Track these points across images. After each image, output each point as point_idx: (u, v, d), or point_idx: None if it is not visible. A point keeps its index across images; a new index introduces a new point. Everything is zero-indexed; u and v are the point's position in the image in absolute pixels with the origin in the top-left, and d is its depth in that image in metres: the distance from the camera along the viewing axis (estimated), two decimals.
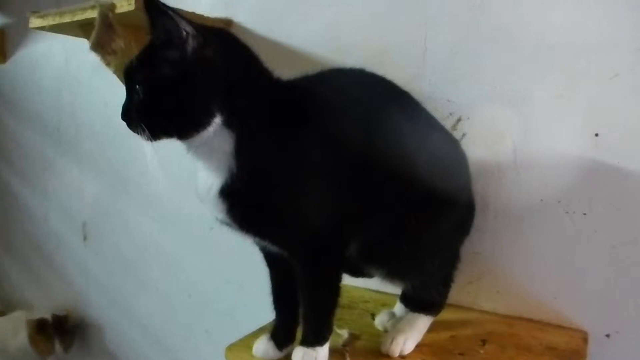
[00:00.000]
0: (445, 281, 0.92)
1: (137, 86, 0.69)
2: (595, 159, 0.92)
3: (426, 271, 0.87)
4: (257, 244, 0.82)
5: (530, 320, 1.00)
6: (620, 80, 0.88)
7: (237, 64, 0.73)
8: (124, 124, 0.72)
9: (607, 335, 0.94)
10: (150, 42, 0.71)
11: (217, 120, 0.70)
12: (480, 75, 1.01)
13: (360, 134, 0.77)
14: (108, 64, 1.10)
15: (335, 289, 0.81)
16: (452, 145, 0.90)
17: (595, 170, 0.92)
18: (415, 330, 0.89)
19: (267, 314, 1.33)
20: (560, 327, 0.97)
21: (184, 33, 0.68)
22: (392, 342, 0.86)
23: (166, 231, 1.51)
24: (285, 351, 0.86)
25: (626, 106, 0.89)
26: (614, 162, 0.90)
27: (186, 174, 1.39)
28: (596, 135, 0.91)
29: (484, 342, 0.91)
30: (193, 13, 1.14)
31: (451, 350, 0.89)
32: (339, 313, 0.83)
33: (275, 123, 0.73)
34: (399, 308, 0.99)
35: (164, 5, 0.67)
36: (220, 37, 0.73)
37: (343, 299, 0.86)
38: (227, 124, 0.70)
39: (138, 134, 0.70)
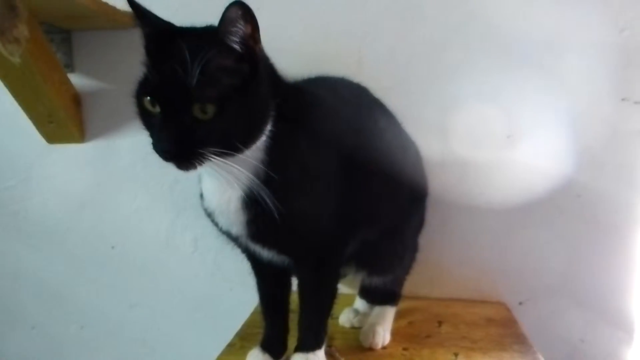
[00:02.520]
0: (408, 272, 1.00)
1: (203, 107, 0.59)
2: (508, 157, 1.11)
3: (403, 265, 0.94)
4: (255, 255, 0.79)
5: (459, 299, 1.15)
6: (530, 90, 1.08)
7: (270, 66, 0.70)
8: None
9: (520, 303, 1.15)
10: (171, 57, 0.61)
11: (269, 125, 0.66)
12: (411, 84, 1.12)
13: (362, 140, 0.79)
14: (11, 54, 0.90)
15: (335, 291, 0.82)
16: (415, 145, 0.98)
17: (509, 167, 1.11)
18: (387, 322, 0.96)
19: (189, 333, 1.25)
20: (484, 302, 1.14)
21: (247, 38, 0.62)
22: (374, 335, 0.91)
23: (48, 256, 1.27)
24: None
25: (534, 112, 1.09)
26: (524, 159, 1.10)
27: (77, 185, 1.23)
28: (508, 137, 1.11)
29: (440, 323, 1.02)
30: None
31: (418, 334, 0.97)
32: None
33: (295, 129, 0.70)
34: (360, 304, 1.03)
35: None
36: None
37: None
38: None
39: (188, 167, 0.61)
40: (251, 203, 0.68)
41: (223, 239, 0.79)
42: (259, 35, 0.64)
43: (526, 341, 0.95)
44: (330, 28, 1.13)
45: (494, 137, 1.10)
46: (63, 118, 1.16)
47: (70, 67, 1.19)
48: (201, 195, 0.77)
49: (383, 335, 0.92)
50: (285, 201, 0.67)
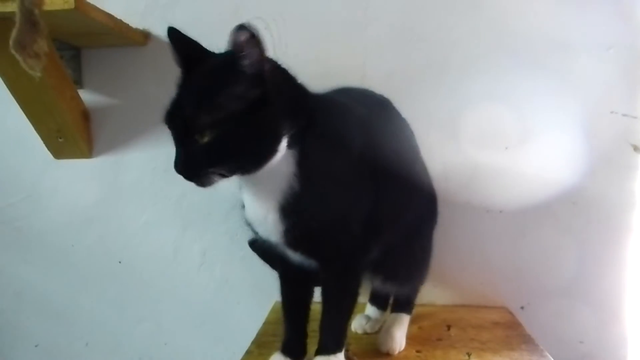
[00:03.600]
0: (423, 280, 1.03)
1: (201, 132, 0.63)
2: (507, 167, 1.17)
3: (419, 270, 0.98)
4: (285, 259, 0.82)
5: (463, 305, 1.18)
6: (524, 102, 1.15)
7: (290, 84, 0.73)
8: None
9: (522, 307, 1.19)
10: (188, 83, 0.69)
11: (284, 143, 0.68)
12: (413, 100, 1.17)
13: (386, 147, 0.83)
14: (32, 69, 0.91)
15: (356, 296, 0.84)
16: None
17: (507, 176, 1.17)
18: (404, 327, 0.98)
19: (196, 348, 1.25)
20: (487, 307, 1.18)
21: (254, 60, 0.64)
22: (392, 340, 0.93)
23: (52, 273, 1.27)
24: None
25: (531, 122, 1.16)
26: (520, 168, 1.16)
27: (84, 201, 1.23)
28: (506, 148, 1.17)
29: (448, 327, 1.05)
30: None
31: (428, 337, 1.00)
32: (312, 326, 0.86)
33: (326, 139, 0.73)
34: (371, 311, 1.06)
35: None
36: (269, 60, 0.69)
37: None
38: (289, 144, 0.69)
39: (203, 183, 0.66)
40: (287, 213, 0.71)
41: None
42: (268, 58, 0.66)
43: (532, 341, 0.99)
44: (335, 45, 1.18)
45: (495, 145, 1.17)
46: (72, 133, 1.17)
47: (79, 83, 1.22)
48: (243, 206, 0.79)
49: (400, 341, 0.94)
50: (318, 211, 0.72)
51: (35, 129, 1.16)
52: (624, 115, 1.13)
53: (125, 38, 1.14)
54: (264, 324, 1.08)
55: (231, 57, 0.64)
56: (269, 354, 0.90)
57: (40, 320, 1.29)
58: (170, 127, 0.68)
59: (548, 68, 1.15)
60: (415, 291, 1.02)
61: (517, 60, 1.15)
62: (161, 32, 1.21)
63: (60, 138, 1.18)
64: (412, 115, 1.14)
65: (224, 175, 0.66)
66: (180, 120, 0.66)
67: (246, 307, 1.23)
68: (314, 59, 1.19)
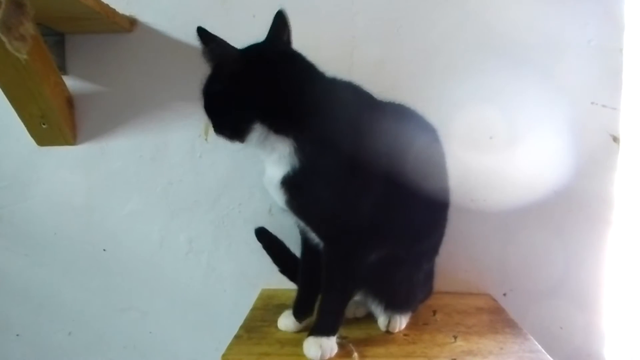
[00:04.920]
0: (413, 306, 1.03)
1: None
2: (489, 157, 1.19)
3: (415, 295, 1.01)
4: (301, 228, 0.92)
5: (448, 292, 1.20)
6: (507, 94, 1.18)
7: (283, 78, 0.83)
8: None
9: (504, 294, 1.22)
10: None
11: (259, 128, 0.82)
12: (402, 88, 1.18)
13: (380, 144, 0.86)
14: (18, 51, 0.90)
15: (354, 282, 0.88)
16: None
17: (490, 166, 1.19)
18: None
19: (182, 337, 1.24)
20: (471, 294, 1.21)
21: (227, 57, 0.81)
22: (390, 321, 0.96)
23: (34, 261, 1.24)
24: (304, 323, 0.95)
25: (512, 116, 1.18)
26: (503, 159, 1.19)
27: (68, 189, 1.22)
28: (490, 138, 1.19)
29: (434, 312, 1.07)
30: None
31: (415, 322, 1.01)
32: None
33: (319, 132, 0.82)
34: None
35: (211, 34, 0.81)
36: (266, 56, 0.85)
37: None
38: (278, 130, 0.82)
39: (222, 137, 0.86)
40: (287, 186, 0.83)
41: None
42: (232, 52, 0.82)
43: (516, 325, 1.02)
44: (323, 34, 1.18)
45: (479, 135, 1.19)
46: (56, 120, 1.15)
47: (63, 69, 1.20)
48: None
49: (400, 320, 0.97)
50: (311, 190, 0.83)
51: (19, 114, 1.13)
52: (604, 106, 1.17)
53: (111, 24, 1.12)
54: (252, 310, 1.09)
55: (223, 50, 0.81)
56: (258, 339, 0.92)
57: (22, 310, 1.26)
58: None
59: (530, 60, 1.18)
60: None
61: (500, 53, 1.18)
62: (148, 19, 1.20)
63: (44, 124, 1.16)
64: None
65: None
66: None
67: (233, 295, 1.23)
68: (302, 48, 1.19)
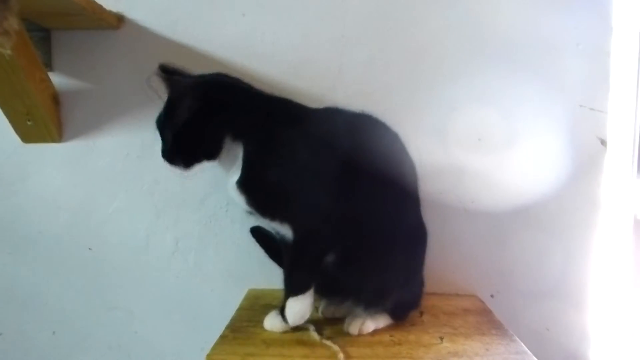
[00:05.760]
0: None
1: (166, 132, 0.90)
2: (477, 158, 1.19)
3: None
4: (276, 230, 0.96)
5: (435, 293, 1.19)
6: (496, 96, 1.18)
7: (233, 99, 0.92)
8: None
9: (492, 296, 1.22)
10: (168, 98, 0.91)
11: (228, 140, 0.90)
12: (390, 89, 1.18)
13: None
14: (1, 46, 0.88)
15: (314, 259, 0.91)
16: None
17: (478, 167, 1.19)
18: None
19: (168, 336, 1.24)
20: (459, 295, 1.21)
21: (185, 89, 0.89)
22: (363, 322, 0.96)
23: (17, 260, 1.23)
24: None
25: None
26: (491, 160, 1.19)
27: (53, 186, 1.20)
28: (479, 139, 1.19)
29: (421, 313, 1.07)
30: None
31: (401, 323, 1.01)
32: None
33: (269, 133, 0.90)
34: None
35: (173, 71, 0.92)
36: (215, 83, 0.94)
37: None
38: (236, 137, 0.90)
39: (178, 168, 0.92)
40: (242, 187, 0.91)
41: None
42: (200, 88, 0.90)
43: (502, 327, 1.01)
44: (312, 33, 1.18)
45: (467, 141, 1.19)
46: (42, 116, 1.14)
47: (48, 66, 1.18)
48: None
49: (365, 322, 0.96)
50: (261, 184, 0.90)
51: (3, 111, 1.12)
52: (592, 109, 1.17)
53: (98, 20, 1.11)
54: (238, 310, 1.08)
55: (180, 85, 0.90)
56: (244, 339, 0.92)
57: (6, 309, 1.25)
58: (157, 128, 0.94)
59: (518, 62, 1.18)
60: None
61: (489, 54, 1.18)
62: (136, 16, 1.19)
63: (29, 121, 1.14)
64: (387, 105, 1.17)
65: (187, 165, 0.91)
66: (157, 123, 0.93)
67: (219, 294, 1.22)
68: (291, 48, 1.19)
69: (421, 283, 1.06)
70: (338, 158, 0.89)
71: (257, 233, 1.12)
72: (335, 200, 0.88)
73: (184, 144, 0.90)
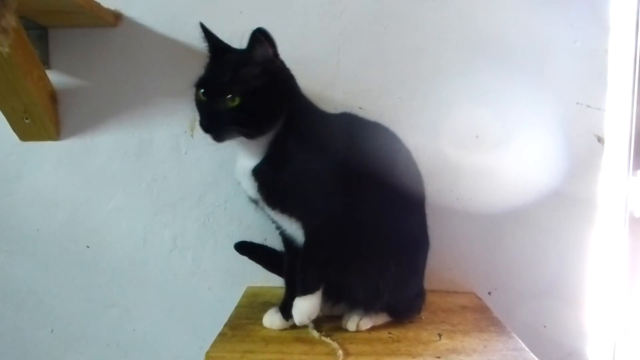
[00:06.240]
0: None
1: (229, 97, 0.84)
2: (474, 155, 1.20)
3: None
4: (278, 224, 0.97)
5: (433, 291, 1.19)
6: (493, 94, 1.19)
7: (289, 82, 0.93)
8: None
9: (490, 293, 1.22)
10: (219, 64, 0.90)
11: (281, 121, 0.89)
12: (387, 87, 1.19)
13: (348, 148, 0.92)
14: (0, 44, 0.88)
15: (325, 254, 0.91)
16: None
17: (475, 164, 1.19)
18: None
19: (166, 334, 1.24)
20: (457, 292, 1.21)
21: (267, 55, 0.87)
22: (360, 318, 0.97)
23: (15, 258, 1.23)
24: (291, 321, 0.94)
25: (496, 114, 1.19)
26: (487, 157, 1.19)
27: (50, 184, 1.20)
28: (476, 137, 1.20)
29: (419, 311, 1.07)
30: None
31: (400, 321, 1.01)
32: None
33: (297, 131, 0.90)
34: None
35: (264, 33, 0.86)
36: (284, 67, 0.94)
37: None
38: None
39: (220, 138, 0.86)
40: (260, 173, 0.90)
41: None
42: (277, 52, 0.90)
43: (500, 324, 1.02)
44: (309, 31, 1.18)
45: (464, 139, 1.19)
46: (39, 114, 1.13)
47: (46, 64, 1.18)
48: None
49: (359, 320, 0.97)
50: (282, 175, 0.89)
51: (1, 109, 1.12)
52: (589, 106, 1.18)
53: (96, 18, 1.11)
54: (237, 307, 1.08)
55: (249, 51, 0.86)
56: (243, 336, 0.92)
57: (3, 307, 1.25)
58: (205, 90, 0.86)
59: (515, 60, 1.18)
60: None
61: (486, 52, 1.18)
62: (133, 13, 1.19)
63: (27, 119, 1.14)
64: (384, 103, 1.18)
65: (234, 135, 0.87)
66: (216, 86, 0.86)
67: (217, 292, 1.23)
68: (289, 45, 1.18)
69: (421, 291, 1.05)
70: (351, 165, 0.89)
71: (243, 249, 1.14)
72: (345, 203, 0.89)
73: (247, 110, 0.85)
